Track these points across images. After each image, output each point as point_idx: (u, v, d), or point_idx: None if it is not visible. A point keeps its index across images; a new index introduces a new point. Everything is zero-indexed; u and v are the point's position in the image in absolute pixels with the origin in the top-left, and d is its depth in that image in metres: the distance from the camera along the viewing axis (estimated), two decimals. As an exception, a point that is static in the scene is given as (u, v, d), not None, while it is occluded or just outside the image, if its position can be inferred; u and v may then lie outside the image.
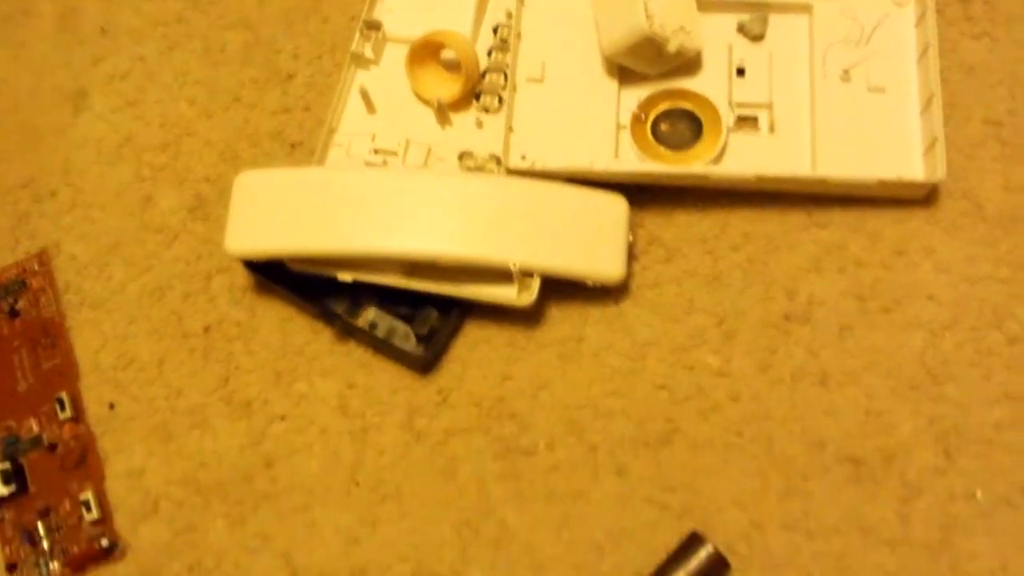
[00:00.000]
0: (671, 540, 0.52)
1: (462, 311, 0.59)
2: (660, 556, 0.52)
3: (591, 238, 0.57)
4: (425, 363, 0.58)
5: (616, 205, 0.57)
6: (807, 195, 0.59)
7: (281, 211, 0.57)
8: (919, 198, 0.58)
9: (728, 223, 0.60)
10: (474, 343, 0.59)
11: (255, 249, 0.58)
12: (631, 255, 0.58)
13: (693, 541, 0.52)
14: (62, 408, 0.59)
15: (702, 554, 0.51)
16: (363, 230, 0.56)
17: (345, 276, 0.57)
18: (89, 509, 0.57)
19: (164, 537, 0.57)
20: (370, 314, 0.58)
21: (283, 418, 0.59)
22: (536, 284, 0.56)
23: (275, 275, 0.60)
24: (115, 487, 0.58)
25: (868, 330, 0.56)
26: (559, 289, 0.58)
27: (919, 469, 0.53)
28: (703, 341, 0.57)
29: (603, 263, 0.56)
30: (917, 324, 0.56)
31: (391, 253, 0.56)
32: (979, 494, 0.52)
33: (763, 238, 0.59)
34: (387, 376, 0.59)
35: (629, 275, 0.58)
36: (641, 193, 0.59)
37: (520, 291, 0.56)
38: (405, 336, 0.58)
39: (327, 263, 0.58)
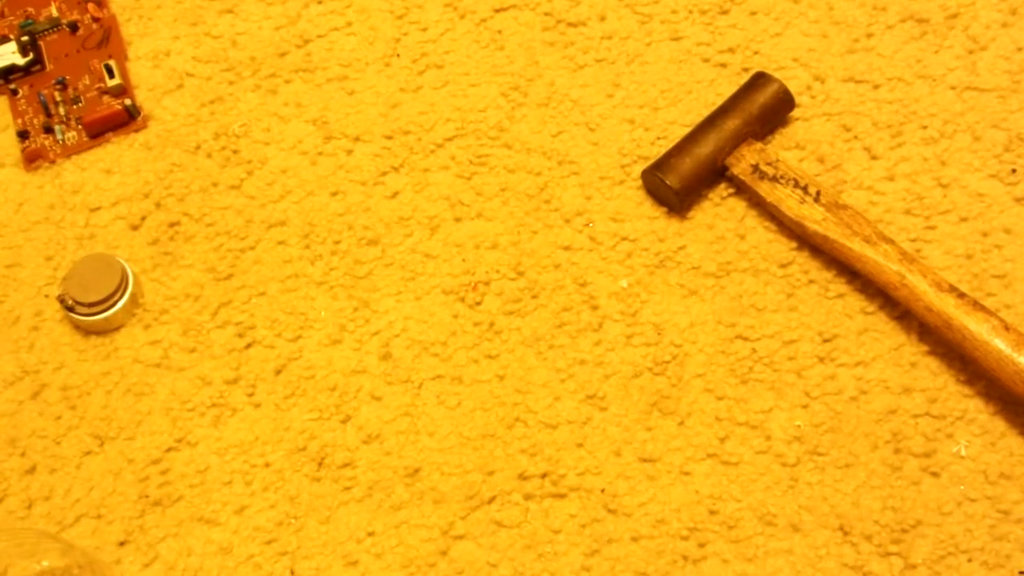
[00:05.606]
0: (729, 96, 0.50)
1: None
2: (718, 108, 0.50)
3: None
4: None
5: None
6: None
7: None
8: None
9: None
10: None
11: None
12: None
13: (758, 79, 0.50)
14: (84, -9, 0.56)
15: (768, 89, 0.49)
16: None
17: None
18: (112, 75, 0.54)
19: (189, 108, 0.54)
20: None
21: (320, 1, 0.56)
22: None
23: None
24: (138, 68, 0.55)
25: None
26: None
27: (984, 24, 0.51)
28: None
29: None
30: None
31: None
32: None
33: None
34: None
35: None
36: None
37: None
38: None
39: None
